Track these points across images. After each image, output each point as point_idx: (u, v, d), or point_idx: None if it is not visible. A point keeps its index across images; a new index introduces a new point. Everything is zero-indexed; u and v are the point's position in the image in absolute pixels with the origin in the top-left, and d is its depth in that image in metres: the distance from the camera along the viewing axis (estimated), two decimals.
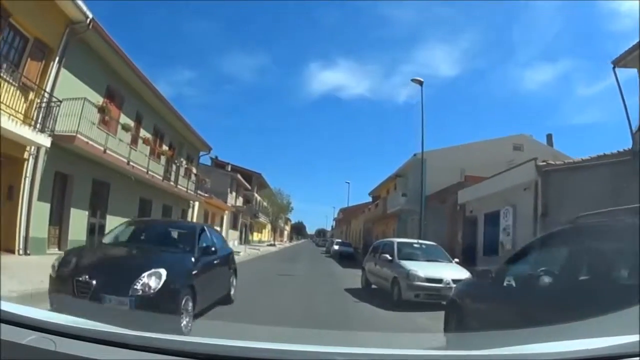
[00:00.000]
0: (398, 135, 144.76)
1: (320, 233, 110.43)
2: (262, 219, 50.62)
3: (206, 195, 24.96)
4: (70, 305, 4.50)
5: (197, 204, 24.20)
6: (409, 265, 8.41)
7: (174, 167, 20.87)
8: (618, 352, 1.16)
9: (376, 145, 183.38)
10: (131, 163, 14.95)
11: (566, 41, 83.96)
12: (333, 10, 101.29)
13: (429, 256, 9.36)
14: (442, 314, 4.85)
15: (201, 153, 24.77)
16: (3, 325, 1.14)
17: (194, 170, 23.72)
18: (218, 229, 30.97)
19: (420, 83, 18.82)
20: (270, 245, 45.79)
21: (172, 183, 20.32)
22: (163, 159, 19.28)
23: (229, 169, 35.50)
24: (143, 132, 17.35)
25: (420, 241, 10.54)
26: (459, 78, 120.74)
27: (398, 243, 9.97)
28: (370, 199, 48.22)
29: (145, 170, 16.26)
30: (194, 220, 24.10)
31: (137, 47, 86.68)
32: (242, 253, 22.45)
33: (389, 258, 8.99)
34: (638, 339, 1.17)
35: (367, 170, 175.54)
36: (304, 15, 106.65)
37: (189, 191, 21.24)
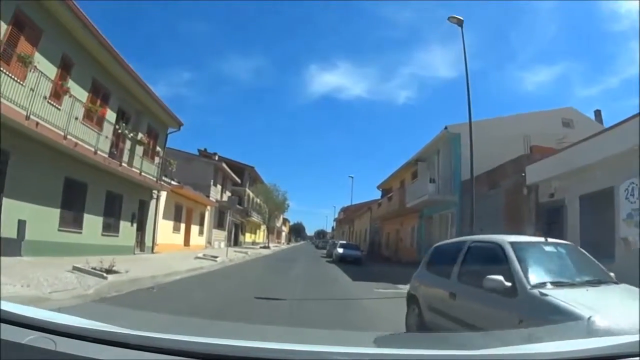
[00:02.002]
0: (399, 136, 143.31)
1: (320, 234, 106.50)
2: (255, 217, 45.26)
3: (175, 183, 19.68)
4: None
5: (164, 194, 18.94)
6: (573, 302, 3.07)
7: (127, 142, 15.70)
8: (618, 352, 1.16)
9: (377, 145, 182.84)
10: (44, 124, 9.85)
11: (566, 42, 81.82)
12: (332, 12, 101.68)
13: (581, 273, 3.97)
14: None
15: (170, 130, 19.53)
16: (3, 325, 1.14)
17: (160, 151, 18.47)
18: (198, 228, 25.74)
19: (460, 23, 13.62)
20: (264, 247, 40.46)
21: (124, 165, 15.14)
22: (109, 129, 14.08)
23: (216, 159, 30.21)
24: (74, 86, 12.19)
25: (553, 240, 4.55)
26: (458, 80, 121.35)
27: (516, 245, 4.01)
28: (369, 200, 43.38)
29: (74, 138, 11.10)
30: (160, 215, 18.85)
31: (136, 49, 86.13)
32: (221, 258, 17.18)
33: (504, 284, 3.45)
34: (638, 339, 1.18)
35: (368, 170, 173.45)
36: (303, 17, 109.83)
37: (146, 175, 15.94)
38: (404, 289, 11.59)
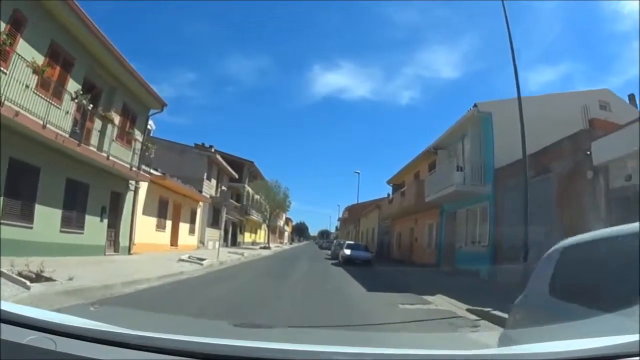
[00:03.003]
0: (403, 135, 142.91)
1: (324, 234, 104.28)
2: (255, 216, 42.73)
3: (158, 173, 17.15)
4: None
5: (144, 185, 16.43)
6: None
7: (97, 123, 13.22)
8: (618, 352, 1.16)
9: (381, 145, 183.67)
10: None
11: (569, 43, 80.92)
12: (335, 13, 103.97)
13: None
14: None
15: (152, 111, 17.03)
16: (3, 325, 1.14)
17: (139, 136, 15.97)
18: (188, 226, 23.21)
19: None
20: (264, 247, 37.92)
21: (92, 148, 12.67)
22: (72, 105, 11.60)
23: (212, 151, 27.64)
24: (26, 47, 9.84)
25: None
26: (459, 80, 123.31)
27: None
28: (373, 199, 40.85)
29: (16, 107, 8.62)
30: (140, 210, 16.35)
31: (139, 49, 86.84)
32: (209, 261, 14.66)
33: None
34: (638, 339, 1.16)
35: (372, 169, 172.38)
36: (306, 17, 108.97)
37: (115, 160, 13.42)
38: (436, 302, 9.03)
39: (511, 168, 12.79)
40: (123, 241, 15.18)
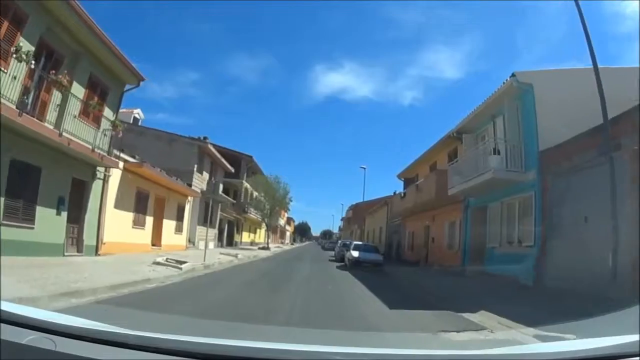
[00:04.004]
0: (404, 136, 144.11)
1: (327, 235, 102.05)
2: (254, 214, 40.36)
3: (134, 160, 14.79)
4: None
5: (117, 174, 14.10)
6: None
7: (56, 95, 10.92)
8: (618, 352, 1.17)
9: (384, 145, 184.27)
10: None
11: (571, 43, 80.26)
12: (337, 12, 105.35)
13: None
14: None
15: (127, 86, 14.67)
16: (3, 325, 1.15)
17: (110, 114, 13.61)
18: (174, 223, 20.86)
19: None
20: (263, 248, 35.57)
21: (47, 125, 10.40)
22: (20, 68, 9.28)
23: (204, 141, 25.24)
24: None
25: None
26: (462, 80, 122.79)
27: None
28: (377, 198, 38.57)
29: None
30: (111, 203, 14.03)
31: (141, 49, 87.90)
32: (190, 264, 12.33)
33: None
34: (638, 339, 1.18)
35: (373, 170, 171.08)
36: (309, 17, 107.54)
37: (71, 138, 11.06)
38: (485, 323, 6.61)
39: (565, 149, 10.39)
40: (89, 239, 12.85)
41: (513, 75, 11.96)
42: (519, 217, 11.87)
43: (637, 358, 1.13)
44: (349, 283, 12.06)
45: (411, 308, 7.49)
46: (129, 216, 15.08)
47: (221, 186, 29.83)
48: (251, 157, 38.76)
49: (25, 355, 1.08)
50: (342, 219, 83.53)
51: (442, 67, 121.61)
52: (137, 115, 29.06)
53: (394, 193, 34.42)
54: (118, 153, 13.76)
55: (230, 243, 34.90)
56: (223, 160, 28.12)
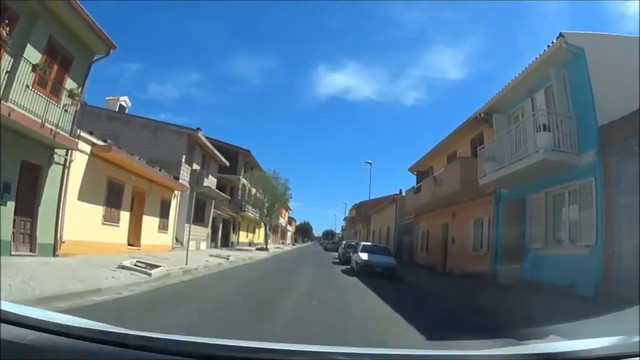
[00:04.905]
0: (407, 136, 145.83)
1: (329, 235, 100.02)
2: (252, 212, 38.22)
3: (101, 143, 12.66)
4: None
5: (82, 157, 12.02)
6: None
7: (6, 60, 8.84)
8: (618, 352, 1.17)
9: (387, 145, 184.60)
10: None
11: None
12: (340, 13, 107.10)
13: None
14: None
15: (97, 56, 12.56)
16: (3, 325, 1.15)
17: (74, 88, 11.50)
18: (158, 221, 18.74)
19: None
20: (261, 249, 33.47)
21: None
22: None
23: (194, 130, 23.06)
24: None
25: None
26: (465, 81, 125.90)
27: None
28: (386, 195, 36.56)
29: None
30: (74, 193, 11.96)
31: (144, 49, 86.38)
32: (164, 269, 10.25)
33: None
34: (638, 339, 1.18)
35: (374, 170, 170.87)
36: (312, 17, 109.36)
37: (16, 109, 8.94)
38: None
39: (636, 122, 8.22)
40: (44, 237, 10.77)
41: (561, 35, 9.80)
42: (573, 210, 9.69)
43: (637, 358, 1.13)
44: (362, 296, 9.82)
45: (456, 336, 5.35)
46: (98, 210, 12.97)
47: (214, 181, 27.76)
48: (249, 151, 36.69)
49: (25, 355, 1.09)
50: (344, 219, 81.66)
51: (444, 68, 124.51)
52: (123, 103, 27.06)
53: (400, 191, 32.33)
54: (86, 135, 11.67)
55: (226, 243, 32.82)
56: (217, 152, 26.02)
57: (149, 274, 9.00)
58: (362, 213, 52.08)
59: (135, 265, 9.91)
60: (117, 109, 25.58)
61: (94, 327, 1.26)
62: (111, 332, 1.23)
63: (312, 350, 1.21)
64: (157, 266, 9.97)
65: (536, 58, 10.86)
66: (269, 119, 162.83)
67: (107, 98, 27.71)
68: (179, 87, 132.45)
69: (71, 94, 10.69)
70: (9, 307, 1.25)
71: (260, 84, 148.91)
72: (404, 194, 26.57)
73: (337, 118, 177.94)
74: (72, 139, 11.00)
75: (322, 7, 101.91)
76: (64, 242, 11.35)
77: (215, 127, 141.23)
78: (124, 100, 27.30)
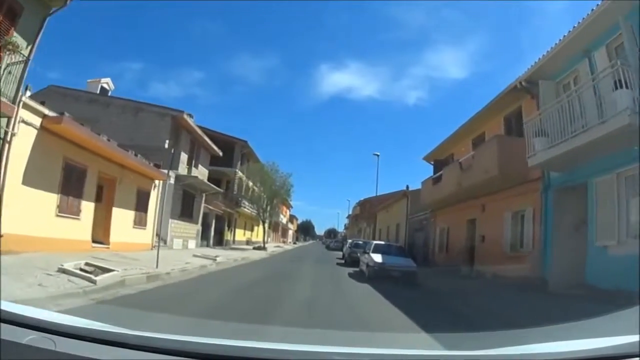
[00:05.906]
0: (409, 136, 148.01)
1: (331, 233, 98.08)
2: (249, 208, 35.93)
3: (53, 114, 10.36)
4: None
5: (29, 132, 9.78)
6: None
7: None
8: (618, 352, 1.17)
9: (389, 145, 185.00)
10: None
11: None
12: (342, 12, 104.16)
13: None
14: None
15: (53, 9, 10.31)
16: (3, 325, 1.15)
17: (20, 46, 9.23)
18: (133, 214, 16.40)
19: None
20: (259, 248, 31.23)
21: None
22: None
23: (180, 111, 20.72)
24: None
25: None
26: (467, 81, 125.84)
27: None
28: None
29: None
30: (17, 176, 9.71)
31: (146, 48, 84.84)
32: (118, 274, 8.08)
33: None
34: (638, 339, 1.18)
35: (381, 170, 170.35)
36: (314, 17, 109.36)
37: None
38: None
39: None
40: None
41: None
42: None
43: (637, 358, 1.12)
44: (383, 314, 7.33)
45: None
46: (51, 198, 10.72)
47: (206, 172, 25.51)
48: (246, 142, 34.49)
49: (25, 355, 1.09)
50: (348, 217, 79.46)
51: (446, 67, 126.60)
52: (105, 86, 24.90)
53: (407, 187, 29.96)
54: (34, 104, 9.41)
55: (220, 242, 30.60)
56: (207, 139, 23.75)
57: (94, 282, 6.73)
58: (366, 210, 49.69)
59: (81, 269, 7.65)
60: (98, 92, 23.47)
61: (94, 327, 1.28)
62: (111, 332, 1.25)
63: (312, 350, 1.23)
64: (110, 270, 7.72)
65: (592, 10, 8.58)
66: (271, 118, 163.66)
67: (88, 80, 25.64)
68: (182, 86, 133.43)
69: (7, 45, 8.41)
70: (9, 307, 1.27)
71: (262, 83, 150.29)
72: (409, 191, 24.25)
73: (339, 117, 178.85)
74: (10, 103, 8.74)
75: (324, 7, 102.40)
76: (1, 236, 9.11)
77: (218, 125, 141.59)
78: (106, 82, 25.15)
